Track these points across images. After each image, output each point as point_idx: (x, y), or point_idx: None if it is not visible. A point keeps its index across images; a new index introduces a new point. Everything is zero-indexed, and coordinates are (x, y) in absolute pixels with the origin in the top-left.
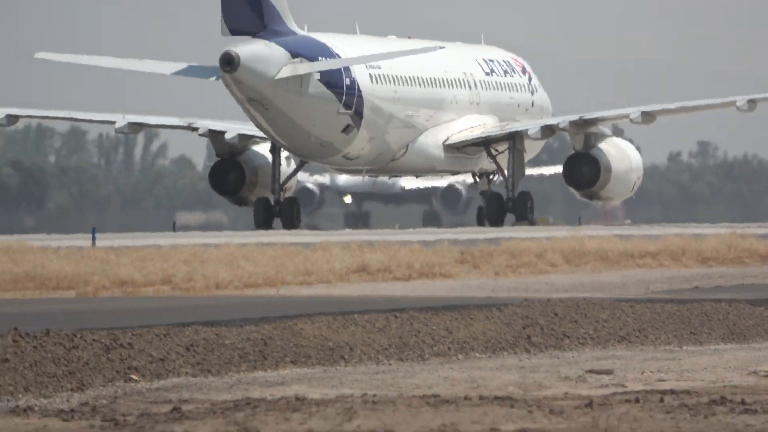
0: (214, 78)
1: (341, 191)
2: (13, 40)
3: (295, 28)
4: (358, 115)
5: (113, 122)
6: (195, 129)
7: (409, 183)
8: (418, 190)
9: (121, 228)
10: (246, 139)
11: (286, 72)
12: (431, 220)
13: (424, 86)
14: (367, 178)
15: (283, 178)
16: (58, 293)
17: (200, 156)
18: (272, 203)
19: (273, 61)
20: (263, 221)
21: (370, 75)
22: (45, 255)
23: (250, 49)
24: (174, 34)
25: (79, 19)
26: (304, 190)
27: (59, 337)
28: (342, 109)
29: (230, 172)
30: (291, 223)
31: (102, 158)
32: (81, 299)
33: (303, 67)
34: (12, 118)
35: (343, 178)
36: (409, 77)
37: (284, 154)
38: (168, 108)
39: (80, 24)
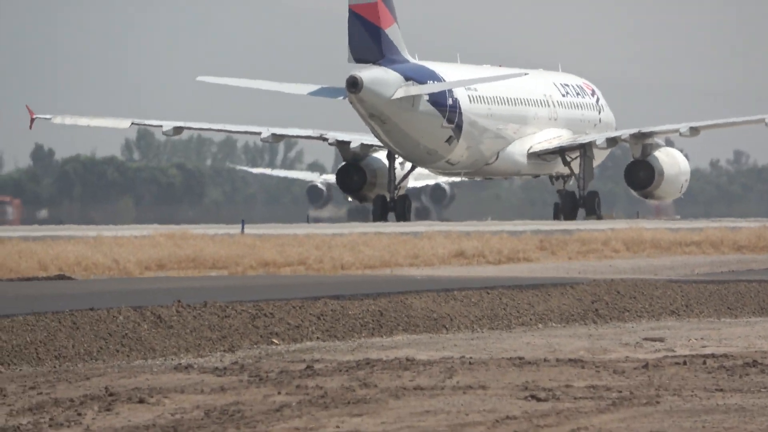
0: (341, 98)
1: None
2: (179, 64)
3: (408, 56)
4: (458, 128)
5: (259, 133)
6: (326, 139)
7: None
8: (410, 189)
9: (265, 219)
10: (367, 148)
11: (400, 93)
12: (422, 214)
13: (512, 105)
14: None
15: (397, 180)
16: (214, 272)
17: (330, 161)
18: (388, 200)
19: (390, 84)
20: (380, 215)
21: (469, 96)
22: (203, 241)
23: (371, 74)
24: (308, 61)
25: (231, 46)
26: (313, 189)
27: (214, 308)
28: (445, 124)
29: (354, 174)
30: (403, 217)
31: (249, 162)
32: (232, 277)
33: (414, 89)
34: (178, 129)
35: None
36: (500, 98)
37: (398, 159)
38: (304, 122)
39: (232, 50)
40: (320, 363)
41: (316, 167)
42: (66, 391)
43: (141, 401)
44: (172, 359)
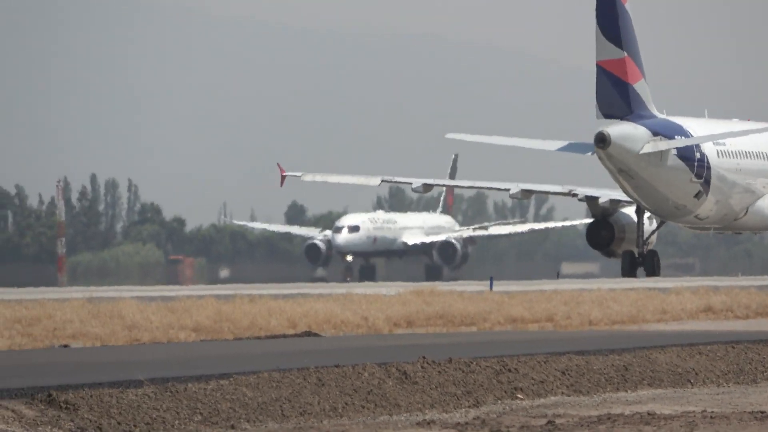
0: (589, 153)
1: (343, 250)
2: (426, 121)
3: (655, 112)
4: (707, 183)
5: (508, 189)
6: (575, 195)
7: (411, 238)
8: (419, 245)
9: (514, 276)
10: (616, 203)
11: (648, 148)
12: (432, 273)
13: (761, 159)
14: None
15: (645, 235)
16: (462, 328)
17: (579, 216)
18: (636, 255)
19: (638, 139)
20: (629, 270)
21: (717, 150)
22: (452, 298)
23: (620, 130)
24: (555, 117)
25: (477, 104)
26: (312, 247)
27: (459, 364)
28: (694, 179)
29: (603, 229)
30: (652, 272)
31: (500, 219)
32: (478, 333)
33: (662, 144)
34: (427, 186)
35: (343, 237)
36: (748, 152)
37: (646, 214)
38: (552, 178)
39: (478, 108)
40: (562, 418)
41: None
42: None
43: None
44: (416, 415)
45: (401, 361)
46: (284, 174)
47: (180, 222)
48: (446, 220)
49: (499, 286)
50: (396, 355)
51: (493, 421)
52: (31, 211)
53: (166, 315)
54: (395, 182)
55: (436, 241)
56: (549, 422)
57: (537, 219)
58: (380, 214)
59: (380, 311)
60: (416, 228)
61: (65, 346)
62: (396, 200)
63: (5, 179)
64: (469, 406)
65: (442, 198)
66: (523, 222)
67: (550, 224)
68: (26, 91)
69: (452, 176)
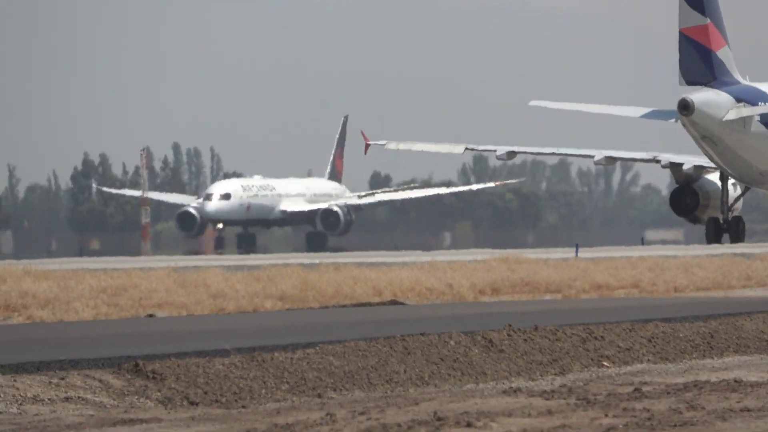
0: (672, 120)
1: (213, 218)
2: (511, 88)
3: (739, 78)
4: None
5: (592, 156)
6: (658, 161)
7: (291, 206)
8: (300, 213)
9: (599, 243)
10: (700, 170)
11: (732, 115)
12: (315, 242)
13: None
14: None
15: (730, 201)
16: (547, 295)
17: (663, 183)
18: (721, 221)
19: (721, 106)
20: (713, 236)
21: None
22: (537, 265)
23: (703, 96)
24: (639, 83)
25: (561, 70)
26: (185, 215)
27: (545, 332)
28: None
29: (687, 196)
30: (737, 238)
31: (584, 186)
32: (564, 300)
33: (746, 111)
34: (511, 154)
35: (213, 205)
36: None
37: (730, 181)
38: (636, 144)
39: (563, 74)
40: (649, 385)
41: (650, 190)
42: (395, 416)
43: (468, 425)
44: (502, 383)
45: (487, 329)
46: (368, 143)
47: None
48: (333, 186)
49: (584, 253)
50: (481, 323)
51: (579, 389)
52: (115, 180)
53: (252, 283)
54: (478, 150)
55: (318, 209)
56: (635, 390)
57: (622, 185)
58: (256, 180)
59: (465, 278)
60: (297, 195)
61: (151, 315)
62: (479, 168)
63: (91, 148)
64: (555, 374)
65: (330, 162)
66: (413, 187)
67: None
68: (111, 62)
69: None
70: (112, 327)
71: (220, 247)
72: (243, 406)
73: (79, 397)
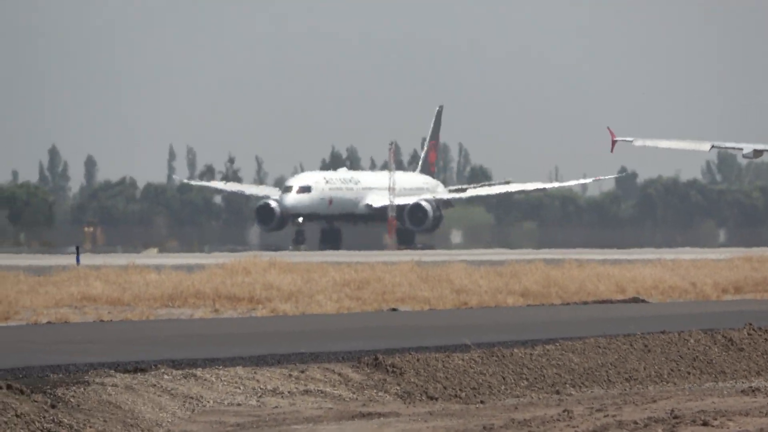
0: None
1: (291, 213)
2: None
3: None
4: None
5: None
6: None
7: (377, 201)
8: (386, 207)
9: None
10: None
11: None
12: (404, 237)
13: None
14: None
15: None
16: None
17: None
18: None
19: None
20: None
21: None
22: None
23: None
24: None
25: None
26: (264, 207)
27: None
28: None
29: None
30: None
31: None
32: None
33: None
34: (758, 152)
35: (292, 198)
36: None
37: None
38: None
39: None
40: None
41: None
42: (631, 414)
43: (705, 424)
44: (741, 382)
45: (727, 328)
46: (615, 139)
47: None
48: (424, 180)
49: None
50: (722, 322)
51: None
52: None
53: (495, 279)
54: (725, 147)
55: (406, 204)
56: None
57: None
58: (341, 173)
59: (708, 277)
60: (384, 189)
61: (394, 309)
62: (726, 166)
63: (339, 142)
64: None
65: (422, 155)
66: (507, 183)
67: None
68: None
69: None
70: (353, 320)
71: (299, 242)
72: (481, 401)
73: (318, 390)
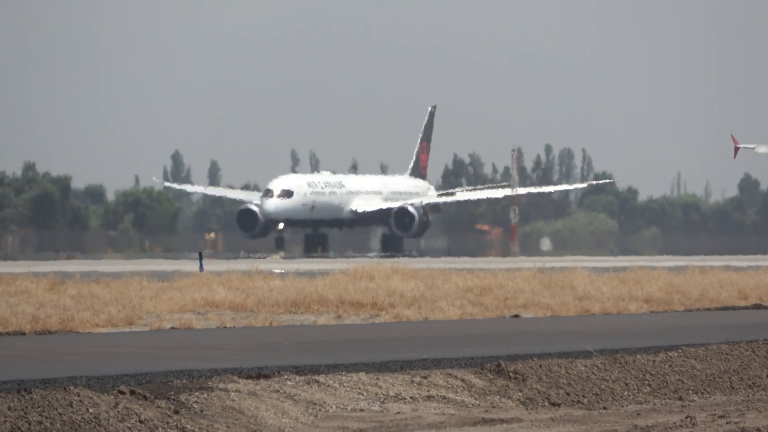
0: None
1: (272, 218)
2: None
3: None
4: None
5: None
6: None
7: (362, 205)
8: (372, 212)
9: None
10: None
11: None
12: (390, 243)
13: None
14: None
15: None
16: None
17: None
18: None
19: None
20: None
21: None
22: None
23: None
24: None
25: None
26: (245, 212)
27: None
28: None
29: None
30: None
31: None
32: None
33: None
34: None
35: (272, 203)
36: None
37: None
38: None
39: None
40: None
41: None
42: (755, 420)
43: None
44: None
45: None
46: (737, 146)
47: (632, 192)
48: (414, 183)
49: None
50: None
51: None
52: (486, 178)
53: (618, 286)
54: None
55: (392, 208)
56: None
57: None
58: (324, 177)
59: None
60: (371, 193)
61: (516, 315)
62: None
63: (461, 149)
64: None
65: (413, 157)
66: (504, 186)
67: (548, 188)
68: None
69: None
70: (476, 327)
71: (279, 248)
72: (604, 407)
73: (441, 396)
